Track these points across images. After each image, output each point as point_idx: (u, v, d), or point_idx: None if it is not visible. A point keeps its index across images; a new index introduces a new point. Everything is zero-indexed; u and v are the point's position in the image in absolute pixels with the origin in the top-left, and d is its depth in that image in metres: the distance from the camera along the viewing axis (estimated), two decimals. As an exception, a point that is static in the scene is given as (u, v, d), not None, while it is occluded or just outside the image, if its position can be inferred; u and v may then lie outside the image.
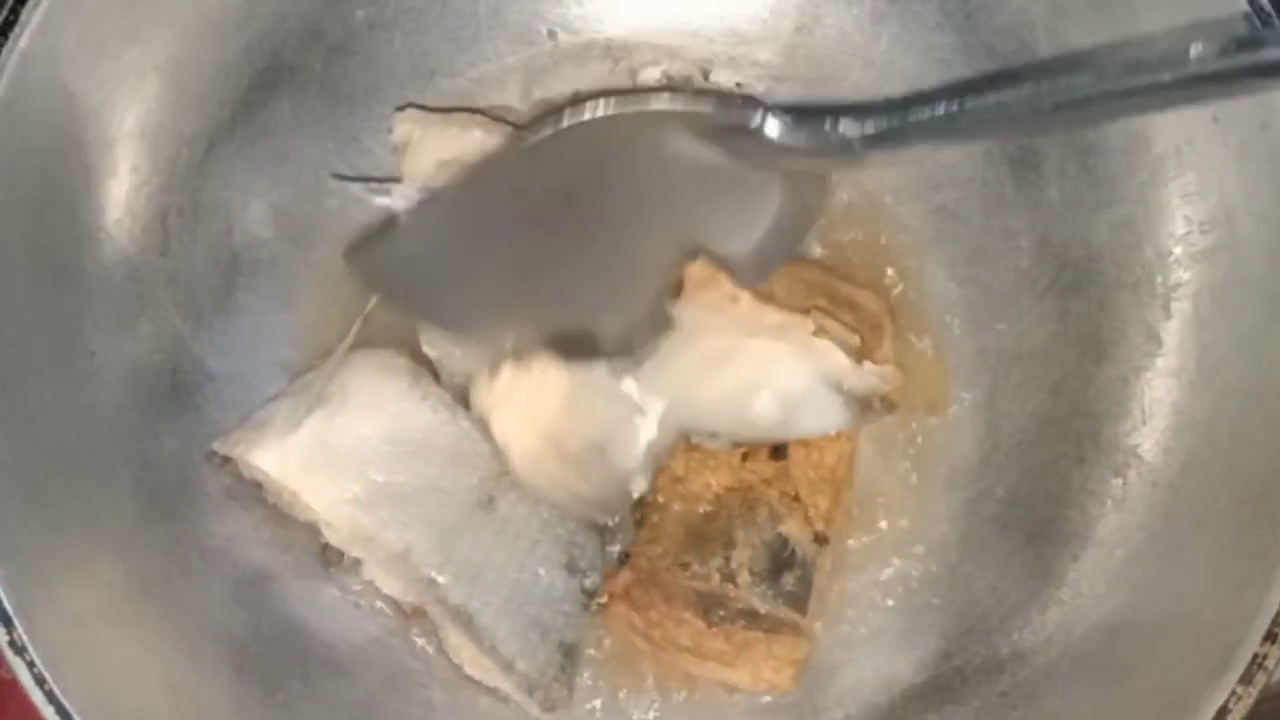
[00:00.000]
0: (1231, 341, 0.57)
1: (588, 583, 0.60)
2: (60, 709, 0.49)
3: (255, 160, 0.63)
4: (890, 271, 0.66)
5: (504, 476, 0.60)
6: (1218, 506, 0.56)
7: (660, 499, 0.61)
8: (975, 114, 0.43)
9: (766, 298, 0.61)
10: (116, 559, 0.55)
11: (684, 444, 0.61)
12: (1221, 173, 0.57)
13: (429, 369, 0.62)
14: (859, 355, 0.60)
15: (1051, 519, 0.61)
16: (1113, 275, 0.61)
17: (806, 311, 0.60)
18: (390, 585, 0.59)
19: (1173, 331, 0.59)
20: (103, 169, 0.58)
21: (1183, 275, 0.59)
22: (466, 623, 0.58)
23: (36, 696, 0.48)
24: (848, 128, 0.45)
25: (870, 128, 0.45)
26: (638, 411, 0.59)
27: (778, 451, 0.61)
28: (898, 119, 0.45)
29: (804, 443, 0.61)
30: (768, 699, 0.61)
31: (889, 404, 0.61)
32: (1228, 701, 0.50)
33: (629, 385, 0.59)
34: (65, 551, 0.54)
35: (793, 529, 0.60)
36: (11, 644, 0.49)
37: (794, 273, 0.63)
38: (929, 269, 0.66)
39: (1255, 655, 0.50)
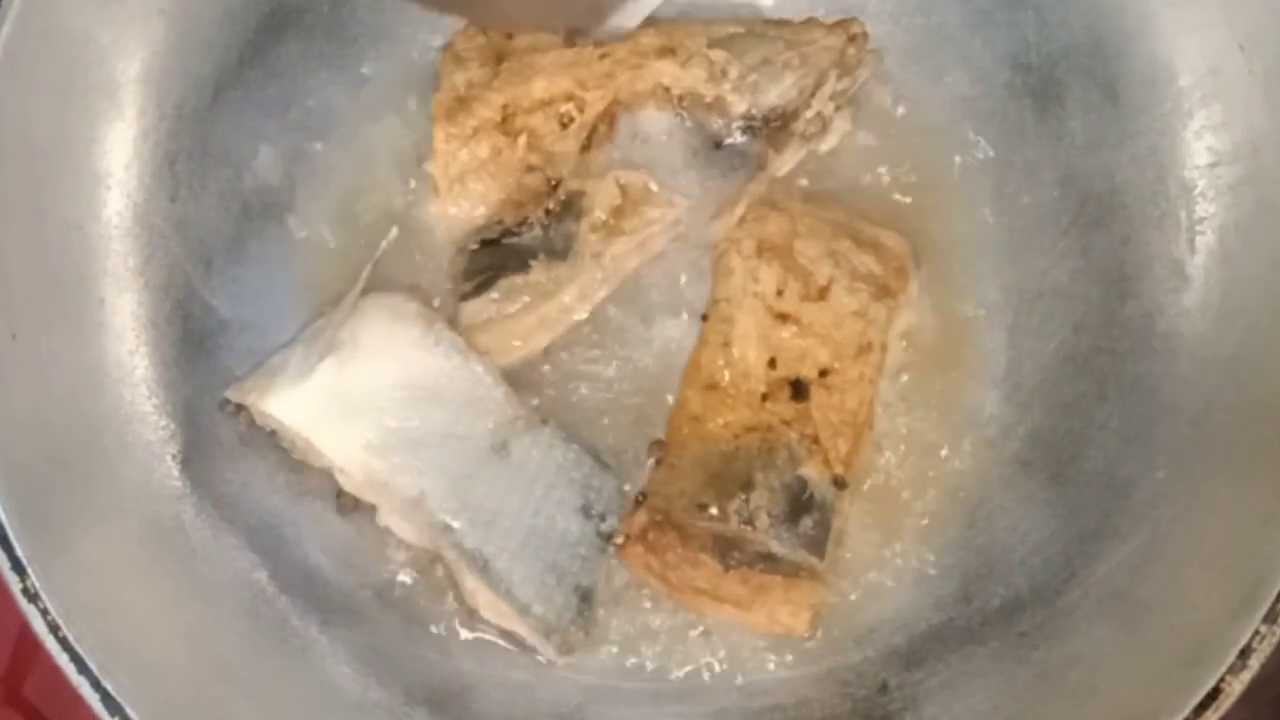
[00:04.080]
0: (1258, 276, 0.57)
1: (604, 526, 0.60)
2: (74, 656, 0.49)
3: (264, 104, 0.63)
4: (912, 209, 0.65)
5: (518, 421, 0.60)
6: (1241, 444, 0.55)
7: (677, 438, 0.61)
8: None
9: (791, 236, 0.61)
10: (131, 508, 0.55)
11: (702, 383, 0.61)
12: (1248, 103, 0.56)
13: (441, 315, 0.62)
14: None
15: (1073, 457, 0.60)
16: (1136, 210, 0.61)
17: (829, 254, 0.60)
18: (405, 531, 0.59)
19: (1197, 266, 0.59)
20: (109, 115, 0.58)
21: (1208, 209, 0.58)
22: (482, 567, 0.58)
23: (51, 644, 0.49)
24: None
25: None
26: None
27: (799, 393, 0.61)
28: None
29: (826, 385, 0.60)
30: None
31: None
32: (1251, 640, 0.50)
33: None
34: (78, 501, 0.54)
35: (812, 472, 0.59)
36: (25, 591, 0.49)
37: (818, 214, 0.63)
38: (951, 205, 0.65)
39: (1279, 594, 0.50)
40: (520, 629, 0.59)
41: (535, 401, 0.62)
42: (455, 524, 0.58)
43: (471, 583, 0.58)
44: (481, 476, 0.59)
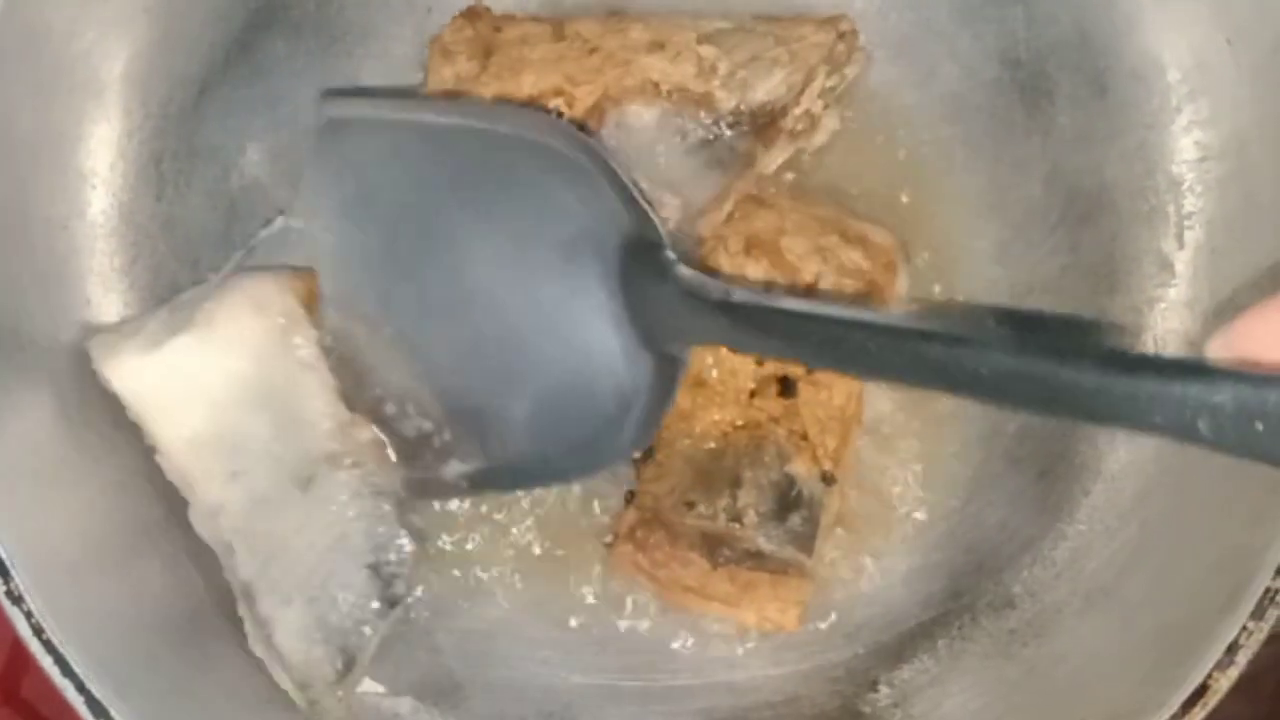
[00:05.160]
0: (1245, 270, 0.56)
1: (392, 590, 0.56)
2: (59, 659, 0.49)
3: (250, 103, 0.62)
4: (901, 205, 0.65)
5: (338, 457, 0.56)
6: (1230, 439, 0.55)
7: (666, 436, 0.61)
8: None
9: (778, 232, 0.61)
10: (115, 508, 0.55)
11: (690, 380, 0.61)
12: (1235, 98, 0.56)
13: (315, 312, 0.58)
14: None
15: (1062, 453, 0.60)
16: (1125, 205, 0.61)
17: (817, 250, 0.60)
18: (201, 532, 0.56)
19: (1186, 261, 0.59)
20: (94, 113, 0.58)
21: (1196, 204, 0.59)
22: (250, 601, 0.55)
23: (35, 647, 0.48)
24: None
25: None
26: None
27: (787, 389, 0.60)
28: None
29: (813, 382, 0.60)
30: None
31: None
32: (1238, 637, 0.50)
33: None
34: (62, 500, 0.54)
35: (800, 468, 0.59)
36: (9, 594, 0.49)
37: (805, 210, 0.62)
38: (939, 202, 0.65)
39: (1267, 590, 0.50)
40: (275, 671, 0.55)
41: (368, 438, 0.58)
42: (237, 548, 0.55)
43: (241, 610, 0.56)
44: (278, 506, 0.55)
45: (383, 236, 0.55)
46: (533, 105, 0.60)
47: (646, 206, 0.54)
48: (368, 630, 0.55)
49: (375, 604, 0.56)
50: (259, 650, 0.55)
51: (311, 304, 0.58)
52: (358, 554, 0.56)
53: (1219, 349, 0.35)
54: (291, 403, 0.56)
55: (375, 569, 0.56)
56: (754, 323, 0.48)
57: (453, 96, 0.60)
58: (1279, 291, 0.35)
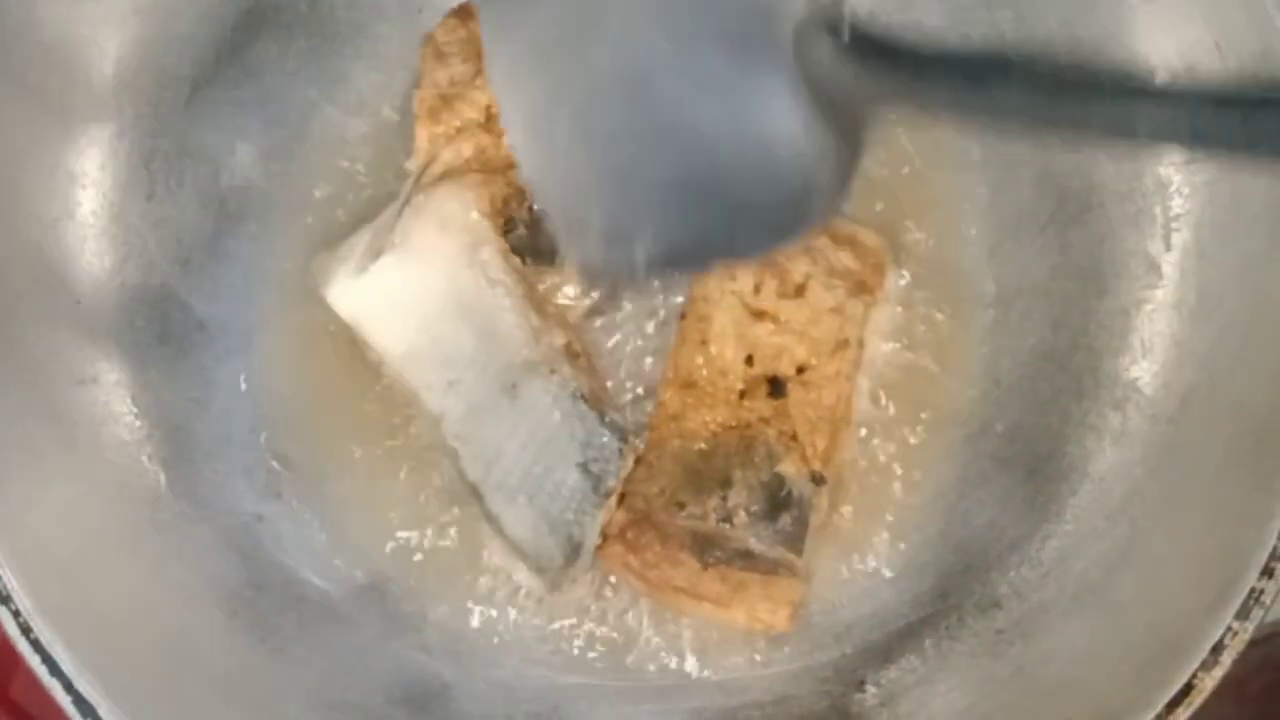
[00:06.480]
0: (1233, 273, 0.57)
1: (602, 485, 0.60)
2: (46, 659, 0.49)
3: (241, 103, 0.62)
4: (891, 207, 0.65)
5: (532, 365, 0.60)
6: (1217, 440, 0.55)
7: (656, 437, 0.61)
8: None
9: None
10: (105, 508, 0.55)
11: (680, 381, 0.61)
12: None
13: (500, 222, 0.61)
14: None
15: (1050, 454, 0.61)
16: (1113, 207, 0.61)
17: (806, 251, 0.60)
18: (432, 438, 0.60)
19: (1173, 263, 0.59)
20: (85, 113, 0.58)
21: (1183, 205, 0.59)
22: (480, 500, 0.59)
23: (22, 646, 0.49)
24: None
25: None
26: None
27: (776, 390, 0.61)
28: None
29: (803, 382, 0.60)
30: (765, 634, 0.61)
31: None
32: (1223, 637, 0.50)
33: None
34: (53, 501, 0.54)
35: (790, 469, 0.59)
36: (-4, 594, 0.49)
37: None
38: (929, 203, 0.65)
39: (1252, 590, 0.50)
40: (515, 563, 0.60)
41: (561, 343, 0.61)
42: (462, 453, 0.59)
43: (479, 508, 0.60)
44: (490, 411, 0.59)
45: (550, 32, 0.53)
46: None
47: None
48: (587, 520, 0.59)
49: (591, 496, 0.59)
50: (497, 543, 0.60)
51: (497, 211, 0.61)
52: (568, 454, 0.60)
53: None
54: (488, 315, 0.60)
55: (585, 466, 0.60)
56: (930, 72, 0.46)
57: None
58: None
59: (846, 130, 0.48)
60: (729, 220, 0.51)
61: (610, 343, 0.63)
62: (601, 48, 0.50)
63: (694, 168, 0.50)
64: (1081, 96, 0.40)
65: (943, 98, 0.44)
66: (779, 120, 0.48)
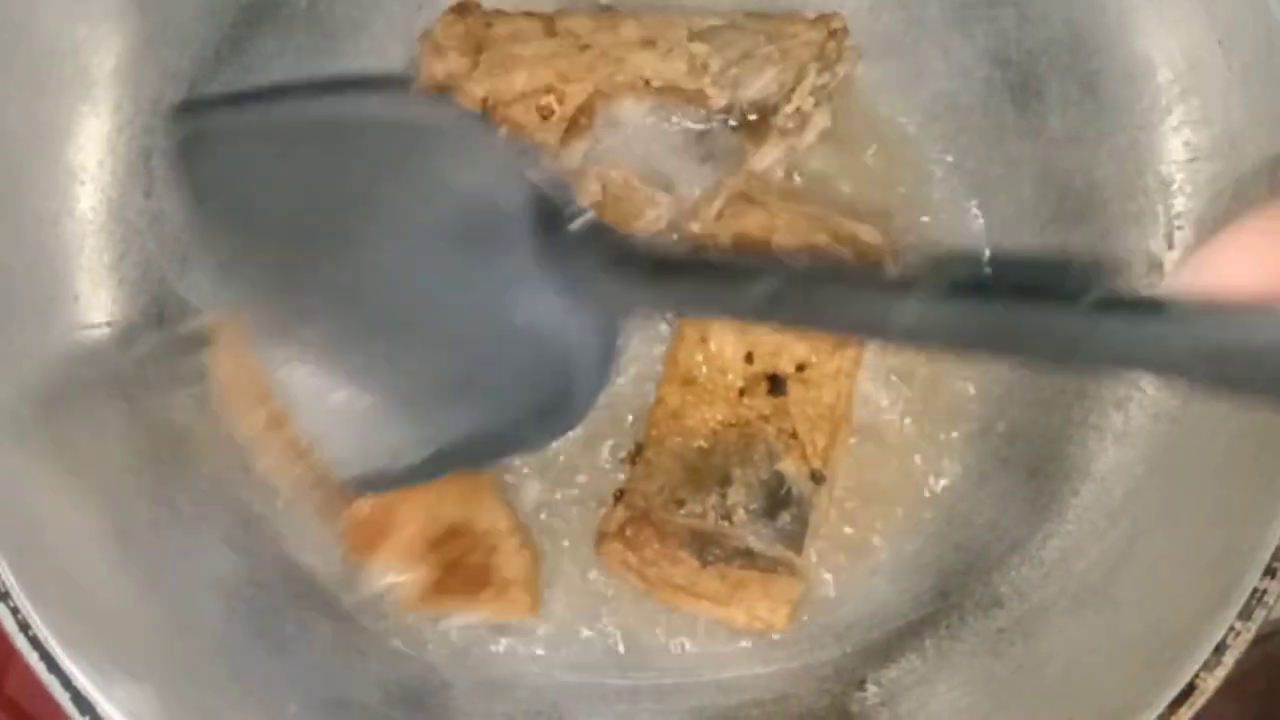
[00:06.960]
0: (1234, 271, 0.56)
1: None
2: (44, 655, 0.49)
3: (240, 99, 0.62)
4: (891, 204, 0.65)
5: None
6: (1218, 440, 0.55)
7: (655, 434, 0.61)
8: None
9: (768, 230, 0.60)
10: (104, 505, 0.55)
11: (679, 378, 0.61)
12: (1225, 98, 0.56)
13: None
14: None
15: (1052, 454, 0.60)
16: (1115, 205, 0.61)
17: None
18: None
19: (1175, 262, 0.59)
20: (84, 109, 0.58)
21: (1186, 204, 0.58)
22: None
23: (20, 643, 0.48)
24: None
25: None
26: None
27: (776, 387, 0.60)
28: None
29: (803, 380, 0.60)
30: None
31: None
32: (1226, 637, 0.50)
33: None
34: (51, 498, 0.53)
35: (789, 467, 0.59)
36: (-6, 590, 0.49)
37: (796, 208, 0.62)
38: (930, 200, 0.65)
39: (1254, 590, 0.50)
40: None
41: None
42: None
43: None
44: None
45: (285, 250, 0.53)
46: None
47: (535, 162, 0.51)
48: None
49: None
50: None
51: None
52: None
53: (1187, 279, 0.35)
54: None
55: None
56: (663, 274, 0.46)
57: (312, 83, 0.52)
58: (1239, 222, 0.35)
59: (603, 313, 0.48)
60: (497, 415, 0.51)
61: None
62: (343, 271, 0.50)
63: (456, 367, 0.51)
64: (839, 294, 0.40)
65: (685, 299, 0.46)
66: (529, 309, 0.48)
